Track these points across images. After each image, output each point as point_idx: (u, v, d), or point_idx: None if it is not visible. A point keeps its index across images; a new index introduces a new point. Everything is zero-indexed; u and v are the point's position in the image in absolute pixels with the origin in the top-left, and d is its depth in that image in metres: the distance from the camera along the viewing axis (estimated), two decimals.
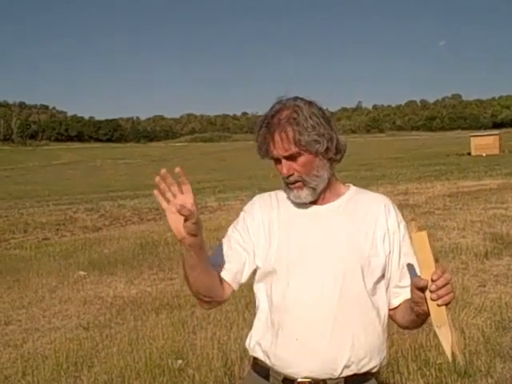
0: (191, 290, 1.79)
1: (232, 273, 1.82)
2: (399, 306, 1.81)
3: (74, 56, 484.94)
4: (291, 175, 1.75)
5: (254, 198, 1.94)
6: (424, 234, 1.46)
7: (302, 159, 1.74)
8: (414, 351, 4.38)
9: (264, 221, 1.84)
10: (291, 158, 1.74)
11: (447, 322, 1.50)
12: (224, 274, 1.82)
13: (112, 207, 21.49)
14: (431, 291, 1.48)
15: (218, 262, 1.82)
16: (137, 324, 5.93)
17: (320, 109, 1.77)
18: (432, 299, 1.49)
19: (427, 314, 1.56)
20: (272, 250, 1.78)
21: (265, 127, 1.76)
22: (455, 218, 11.55)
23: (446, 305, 1.49)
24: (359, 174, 31.10)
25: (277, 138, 1.73)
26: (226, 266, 1.82)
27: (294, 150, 1.72)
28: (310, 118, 1.72)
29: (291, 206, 1.83)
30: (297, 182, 1.76)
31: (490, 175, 24.33)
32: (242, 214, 1.90)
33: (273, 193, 1.94)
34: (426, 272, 1.48)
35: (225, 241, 1.87)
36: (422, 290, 1.50)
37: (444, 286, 1.47)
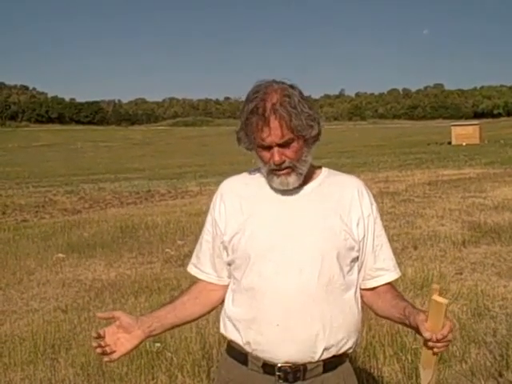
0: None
1: (215, 273, 1.88)
2: (376, 289, 1.82)
3: (56, 36, 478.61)
4: (283, 162, 1.67)
5: (218, 192, 1.87)
6: (444, 304, 1.53)
7: (294, 145, 1.67)
8: (390, 336, 4.42)
9: (233, 210, 1.79)
10: (284, 144, 1.66)
11: (432, 368, 1.59)
12: (210, 278, 1.88)
13: (92, 190, 21.33)
14: (432, 342, 1.54)
15: (201, 267, 1.90)
16: (115, 307, 5.90)
17: (301, 92, 1.70)
18: (428, 347, 1.56)
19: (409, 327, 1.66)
20: (245, 238, 1.74)
21: (256, 113, 1.63)
22: (434, 206, 11.63)
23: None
24: (340, 162, 31.17)
25: (274, 124, 1.62)
26: (208, 269, 1.88)
27: (289, 136, 1.64)
28: (300, 102, 1.65)
29: (262, 191, 1.78)
30: (286, 168, 1.69)
31: (470, 164, 24.54)
32: (210, 208, 1.88)
33: (241, 177, 1.88)
34: (433, 327, 1.53)
35: (202, 245, 1.91)
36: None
37: (443, 341, 1.53)
